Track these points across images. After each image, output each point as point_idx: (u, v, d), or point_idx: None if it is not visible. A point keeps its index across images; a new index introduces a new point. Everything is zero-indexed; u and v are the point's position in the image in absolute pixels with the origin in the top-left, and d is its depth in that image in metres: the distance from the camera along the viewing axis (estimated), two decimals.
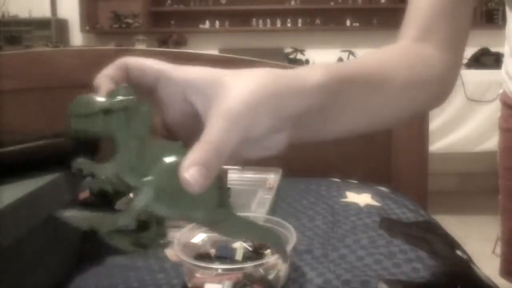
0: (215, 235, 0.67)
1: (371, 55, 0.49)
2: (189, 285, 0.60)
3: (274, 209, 0.91)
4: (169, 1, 4.36)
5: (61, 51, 1.83)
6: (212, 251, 0.65)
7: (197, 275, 0.59)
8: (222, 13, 4.34)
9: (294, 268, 0.65)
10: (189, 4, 4.36)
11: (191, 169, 0.30)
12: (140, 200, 0.31)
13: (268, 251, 0.65)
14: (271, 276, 0.59)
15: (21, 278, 0.57)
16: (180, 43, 4.15)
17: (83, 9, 4.35)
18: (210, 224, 0.36)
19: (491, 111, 2.64)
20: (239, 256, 0.64)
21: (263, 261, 0.59)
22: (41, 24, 4.19)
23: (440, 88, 0.53)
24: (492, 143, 2.66)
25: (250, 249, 0.65)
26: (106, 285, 0.64)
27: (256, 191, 0.95)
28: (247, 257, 0.64)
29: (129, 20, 4.36)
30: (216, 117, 0.32)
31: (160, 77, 0.37)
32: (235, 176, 1.05)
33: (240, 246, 0.65)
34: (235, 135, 0.32)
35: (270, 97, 0.34)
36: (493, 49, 3.17)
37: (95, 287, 0.64)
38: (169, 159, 0.32)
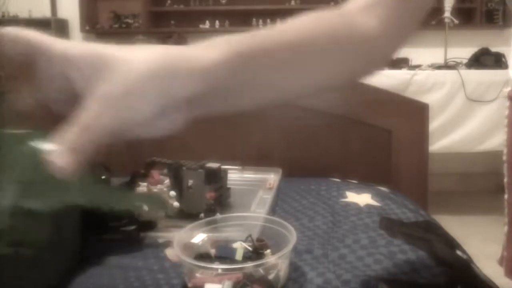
0: (215, 235, 0.67)
1: (287, 24, 0.48)
2: (189, 285, 0.60)
3: (274, 209, 0.91)
4: (169, 1, 4.35)
5: None
6: (212, 251, 0.65)
7: (197, 275, 0.59)
8: (222, 13, 4.34)
9: (294, 268, 0.65)
10: (189, 4, 4.35)
11: (60, 155, 0.29)
12: (6, 199, 0.28)
13: (268, 251, 0.65)
14: (271, 276, 0.59)
15: (21, 278, 0.57)
16: (180, 43, 4.13)
17: (83, 9, 4.35)
18: (88, 203, 0.33)
19: (491, 111, 2.63)
20: (239, 256, 0.64)
21: (263, 261, 0.59)
22: (41, 24, 4.18)
23: (370, 57, 0.53)
24: (492, 143, 2.67)
25: (250, 249, 0.65)
26: (106, 285, 0.64)
27: (256, 191, 0.95)
28: (247, 257, 0.64)
29: (129, 20, 4.37)
30: (91, 99, 0.31)
31: (39, 50, 0.34)
32: (235, 176, 1.05)
33: (240, 246, 0.65)
34: (109, 118, 0.31)
35: (158, 79, 0.32)
36: (493, 49, 3.17)
37: (95, 287, 0.64)
38: (30, 149, 0.29)
